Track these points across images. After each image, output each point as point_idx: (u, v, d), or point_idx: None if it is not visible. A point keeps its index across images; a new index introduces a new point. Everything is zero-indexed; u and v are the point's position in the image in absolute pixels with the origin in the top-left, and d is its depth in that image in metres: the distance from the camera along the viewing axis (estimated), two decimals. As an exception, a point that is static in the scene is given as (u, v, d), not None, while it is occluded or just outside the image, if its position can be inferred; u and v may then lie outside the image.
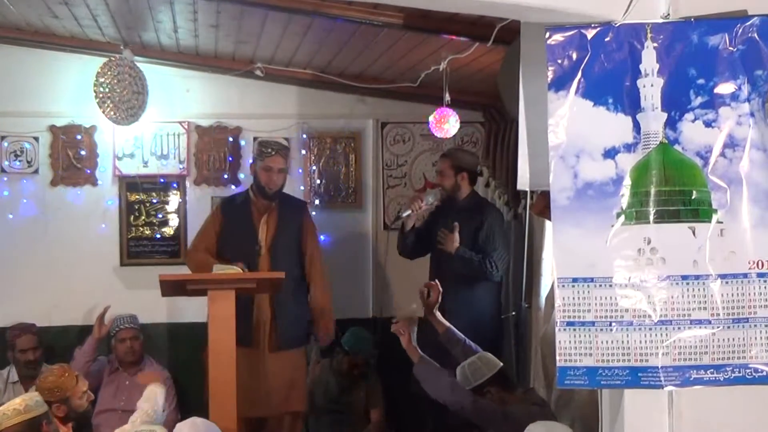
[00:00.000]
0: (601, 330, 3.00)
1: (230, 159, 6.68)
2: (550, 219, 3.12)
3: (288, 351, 5.60)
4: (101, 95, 5.98)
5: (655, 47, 3.03)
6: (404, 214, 5.71)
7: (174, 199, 6.66)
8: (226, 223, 5.69)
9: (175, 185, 6.66)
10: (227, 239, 5.65)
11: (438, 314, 4.94)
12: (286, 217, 5.71)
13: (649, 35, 3.03)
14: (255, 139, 6.62)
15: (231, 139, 6.66)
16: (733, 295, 3.00)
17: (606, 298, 3.00)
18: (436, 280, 5.09)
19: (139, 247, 6.61)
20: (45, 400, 4.19)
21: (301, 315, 5.73)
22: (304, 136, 6.69)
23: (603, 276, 3.00)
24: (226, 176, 6.69)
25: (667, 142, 3.03)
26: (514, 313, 5.85)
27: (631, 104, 3.05)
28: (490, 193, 6.31)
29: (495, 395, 4.43)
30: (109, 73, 5.97)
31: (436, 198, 5.75)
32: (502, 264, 5.52)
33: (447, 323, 4.88)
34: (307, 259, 5.77)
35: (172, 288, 4.64)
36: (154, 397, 4.35)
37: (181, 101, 6.60)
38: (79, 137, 6.49)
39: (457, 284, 5.43)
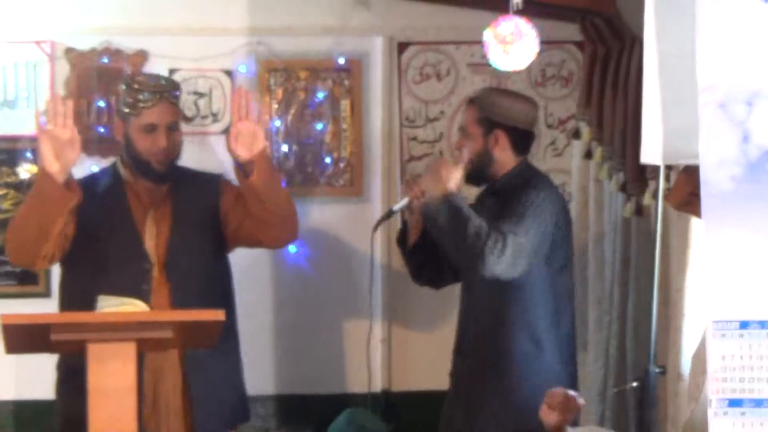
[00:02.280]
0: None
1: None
2: (698, 215, 3.28)
3: None
4: None
5: None
6: (397, 207, 5.64)
7: (25, 179, 6.49)
8: (81, 225, 5.32)
9: (26, 155, 6.41)
10: (91, 250, 5.32)
11: None
12: (189, 207, 5.48)
13: None
14: (172, 72, 6.48)
15: (129, 71, 6.44)
16: None
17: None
18: (573, 393, 4.78)
19: (-36, 267, 6.80)
20: None
21: (230, 382, 5.53)
22: (258, 67, 6.54)
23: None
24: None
25: None
26: (635, 383, 5.31)
27: None
28: (593, 170, 6.23)
29: None
30: None
31: None
32: (517, 248, 5.09)
33: None
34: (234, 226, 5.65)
35: (22, 338, 4.35)
36: None
37: (39, 6, 6.41)
38: None
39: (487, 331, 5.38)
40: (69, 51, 6.38)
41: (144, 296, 5.08)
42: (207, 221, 5.52)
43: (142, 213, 5.43)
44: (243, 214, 5.46)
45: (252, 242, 5.68)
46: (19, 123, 6.36)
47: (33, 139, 6.29)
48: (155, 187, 5.47)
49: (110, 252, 5.34)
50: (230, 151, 5.30)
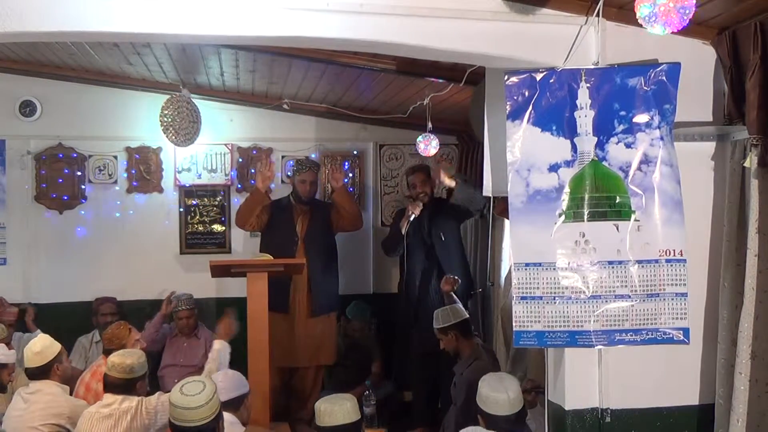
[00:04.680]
0: (547, 303, 3.00)
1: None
2: (508, 218, 3.11)
3: (319, 317, 5.48)
4: (165, 124, 5.88)
5: (588, 87, 3.04)
6: (412, 218, 5.19)
7: (221, 203, 6.55)
8: (272, 217, 5.53)
9: (221, 192, 6.52)
10: (273, 231, 5.50)
11: (453, 296, 4.76)
12: (317, 216, 5.59)
13: (583, 78, 3.04)
14: (283, 157, 6.50)
15: (264, 156, 6.52)
16: (647, 276, 3.02)
17: (551, 278, 2.99)
18: (456, 276, 4.89)
19: (194, 240, 6.49)
20: (108, 347, 4.15)
21: (331, 288, 5.59)
22: (320, 155, 6.54)
23: (548, 261, 3.00)
24: (260, 185, 6.29)
25: (597, 159, 3.05)
26: (481, 289, 5.74)
27: (569, 130, 3.05)
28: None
29: (452, 336, 4.36)
30: (171, 106, 5.88)
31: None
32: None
33: (456, 298, 4.76)
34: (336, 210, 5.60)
35: (219, 271, 4.54)
36: (218, 355, 4.14)
37: (226, 128, 6.48)
38: (148, 156, 6.42)
39: (429, 270, 5.30)
40: (238, 148, 6.39)
41: (292, 254, 5.34)
42: (324, 221, 5.58)
43: (297, 217, 5.57)
44: (338, 217, 5.58)
45: (342, 230, 5.75)
46: (217, 179, 6.42)
47: (223, 186, 6.41)
48: (304, 206, 5.58)
49: (281, 232, 5.50)
50: (330, 183, 5.51)
